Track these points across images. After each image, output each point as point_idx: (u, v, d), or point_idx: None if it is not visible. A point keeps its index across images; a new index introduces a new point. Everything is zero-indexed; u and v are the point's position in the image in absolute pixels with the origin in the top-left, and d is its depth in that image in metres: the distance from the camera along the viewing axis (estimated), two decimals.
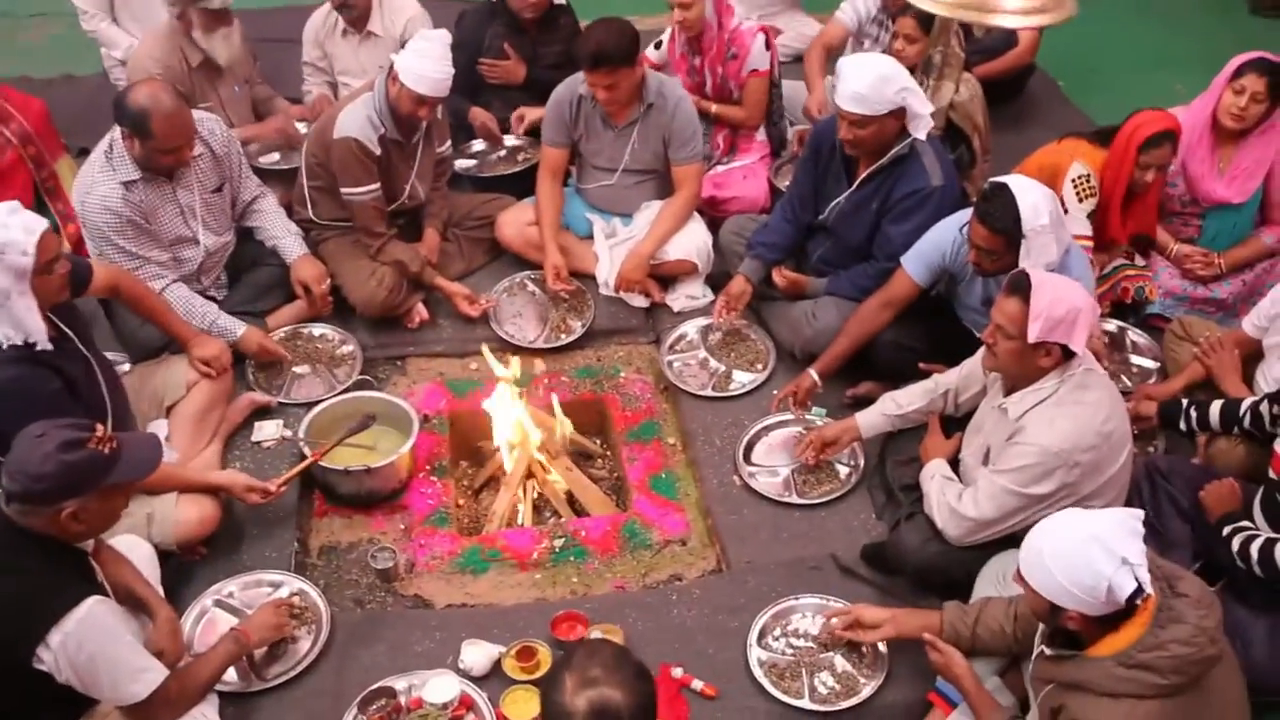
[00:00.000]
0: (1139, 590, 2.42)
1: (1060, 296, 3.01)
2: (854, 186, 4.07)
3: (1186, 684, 2.45)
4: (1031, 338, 3.01)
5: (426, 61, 4.06)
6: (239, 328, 4.09)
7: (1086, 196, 4.23)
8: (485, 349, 4.18)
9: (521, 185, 4.92)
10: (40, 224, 3.11)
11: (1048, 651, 2.65)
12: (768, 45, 4.85)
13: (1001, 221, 3.43)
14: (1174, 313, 4.39)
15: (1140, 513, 2.51)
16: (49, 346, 3.14)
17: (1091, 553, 2.41)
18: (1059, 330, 3.01)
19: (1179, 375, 4.00)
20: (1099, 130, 4.43)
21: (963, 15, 3.70)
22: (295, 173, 4.61)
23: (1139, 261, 4.51)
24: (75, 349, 3.31)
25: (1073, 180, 4.23)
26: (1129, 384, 4.19)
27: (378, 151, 4.22)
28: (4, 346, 3.09)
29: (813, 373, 4.01)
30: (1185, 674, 2.44)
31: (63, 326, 3.28)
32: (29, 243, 3.04)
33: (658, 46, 5.09)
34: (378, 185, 4.28)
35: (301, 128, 5.06)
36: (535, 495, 4.07)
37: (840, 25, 5.41)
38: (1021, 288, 3.05)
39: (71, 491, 2.57)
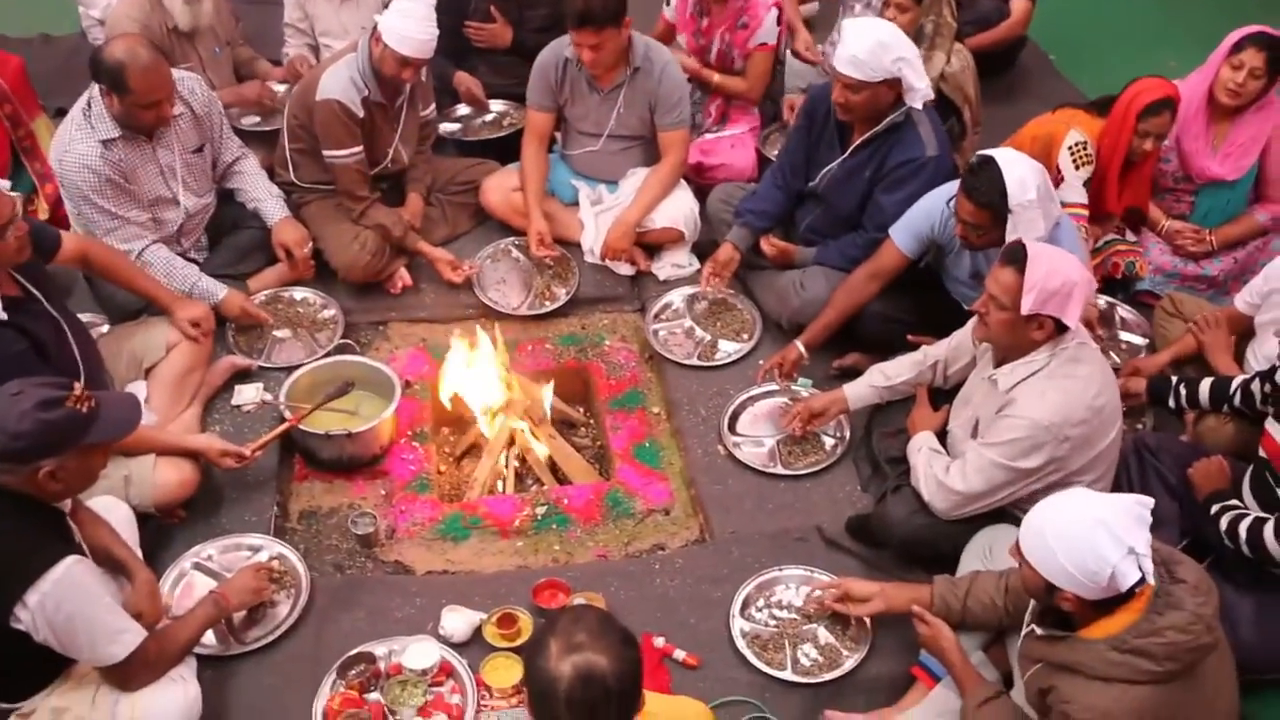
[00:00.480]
0: (1140, 580, 2.40)
1: (1055, 269, 2.98)
2: (847, 153, 4.03)
3: (1180, 671, 2.43)
4: (1025, 309, 2.99)
5: (410, 22, 3.99)
6: (220, 290, 4.04)
7: (1083, 164, 4.19)
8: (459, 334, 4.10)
9: (506, 150, 4.87)
10: None
11: (1038, 631, 2.62)
12: (779, 20, 4.80)
13: (987, 196, 3.40)
14: (1164, 289, 4.36)
15: (1150, 500, 2.48)
16: (2, 316, 3.09)
17: (1098, 538, 2.38)
18: (1053, 303, 2.98)
19: (1168, 348, 3.98)
20: (1095, 100, 4.40)
21: None
22: (276, 135, 4.55)
23: (1130, 237, 4.49)
24: (43, 310, 3.26)
25: (1069, 147, 4.20)
26: (1117, 360, 4.17)
27: (361, 114, 4.16)
28: None
29: (799, 344, 3.99)
30: (1179, 661, 2.42)
31: (29, 288, 3.23)
32: None
33: (668, 2, 5.01)
34: (360, 148, 4.22)
35: (280, 90, 5.00)
36: (517, 463, 4.03)
37: None
38: (1017, 258, 3.02)
39: (49, 450, 2.55)
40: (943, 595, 3.02)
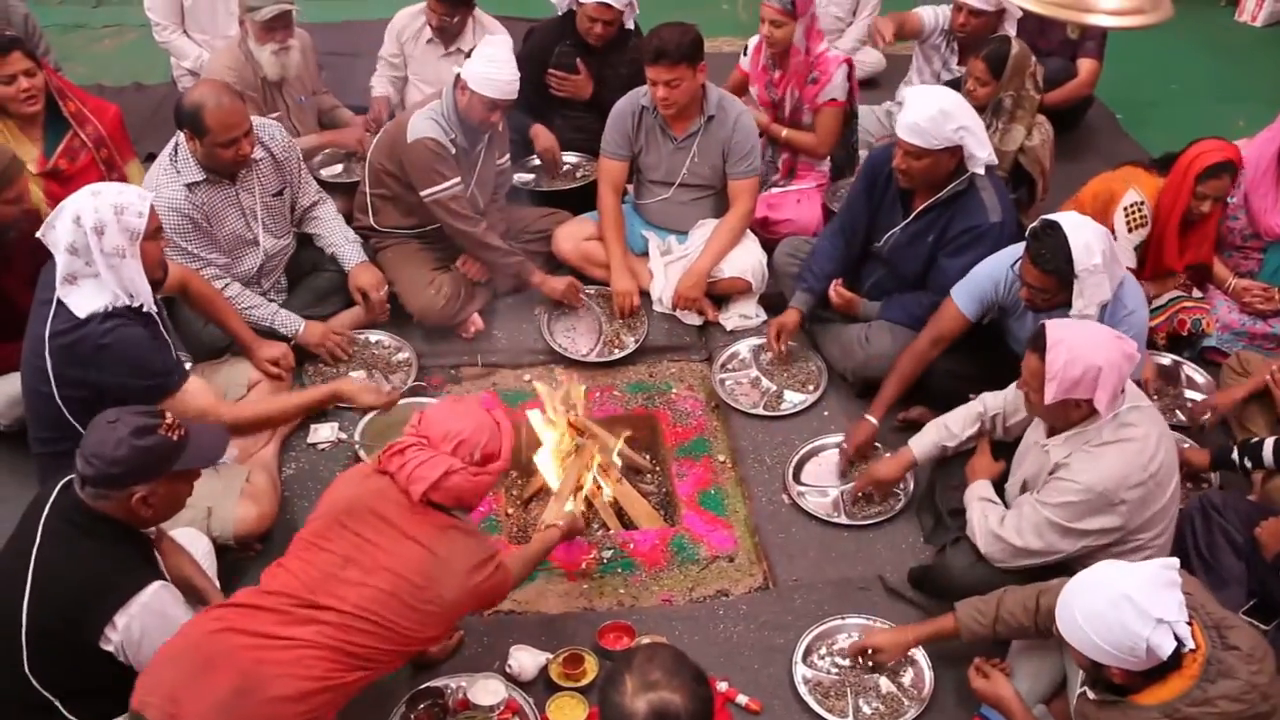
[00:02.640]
0: (1179, 645, 2.39)
1: (1076, 357, 2.95)
2: (910, 218, 4.07)
3: None
4: (1047, 399, 3.00)
5: (493, 66, 4.14)
6: (300, 323, 4.19)
7: (1136, 227, 4.22)
8: (539, 386, 4.14)
9: (578, 202, 4.99)
10: (150, 193, 3.27)
11: (1091, 695, 2.61)
12: (849, 76, 4.88)
13: (1053, 262, 3.42)
14: (1232, 348, 4.35)
15: (1175, 561, 2.47)
16: (155, 309, 3.25)
17: (1124, 614, 2.38)
18: (1079, 389, 2.97)
19: (1243, 385, 3.95)
20: (1158, 159, 4.42)
21: (1058, 14, 3.64)
22: (355, 186, 4.71)
23: (1196, 294, 4.49)
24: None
25: (1125, 208, 4.22)
26: (1183, 419, 4.16)
27: (453, 150, 4.29)
28: (114, 307, 3.17)
29: (870, 418, 4.00)
30: None
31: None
32: (143, 205, 3.17)
33: (745, 53, 5.12)
34: (459, 178, 4.31)
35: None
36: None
37: (917, 17, 5.48)
38: (1038, 346, 3.02)
39: (143, 476, 2.65)
40: (969, 625, 3.03)
